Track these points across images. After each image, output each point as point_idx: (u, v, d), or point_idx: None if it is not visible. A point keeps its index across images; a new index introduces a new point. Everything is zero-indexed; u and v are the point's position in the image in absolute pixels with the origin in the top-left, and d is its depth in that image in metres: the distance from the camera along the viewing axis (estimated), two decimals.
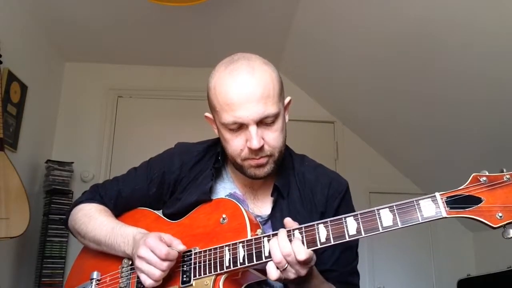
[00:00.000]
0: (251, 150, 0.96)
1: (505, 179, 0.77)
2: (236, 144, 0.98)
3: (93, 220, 1.09)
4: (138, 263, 0.93)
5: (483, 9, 2.06)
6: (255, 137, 0.94)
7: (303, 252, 0.82)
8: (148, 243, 0.92)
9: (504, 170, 0.78)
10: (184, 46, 3.57)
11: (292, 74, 3.60)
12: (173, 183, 1.12)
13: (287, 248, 0.82)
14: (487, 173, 0.79)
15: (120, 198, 1.15)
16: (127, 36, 3.43)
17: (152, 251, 0.91)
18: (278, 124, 0.98)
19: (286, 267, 0.83)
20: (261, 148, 0.96)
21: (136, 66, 3.86)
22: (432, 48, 2.46)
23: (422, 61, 2.61)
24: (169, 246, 0.93)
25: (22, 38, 3.06)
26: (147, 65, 3.86)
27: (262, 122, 0.95)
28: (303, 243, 0.84)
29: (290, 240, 0.84)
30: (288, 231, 0.86)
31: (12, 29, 2.90)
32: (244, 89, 0.93)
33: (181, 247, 0.94)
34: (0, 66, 2.61)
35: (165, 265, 0.91)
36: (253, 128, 0.94)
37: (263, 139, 0.96)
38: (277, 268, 0.84)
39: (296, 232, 0.86)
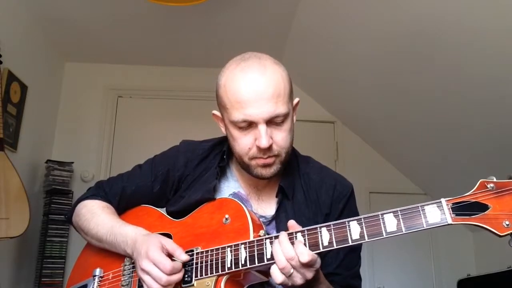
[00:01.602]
0: (259, 149, 0.96)
1: None
2: (244, 143, 0.97)
3: (96, 217, 1.08)
4: (141, 274, 0.92)
5: (483, 8, 2.06)
6: (264, 136, 0.93)
7: (305, 254, 0.81)
8: (152, 257, 0.90)
9: None
10: (184, 46, 3.56)
11: (292, 74, 3.55)
12: (177, 181, 1.11)
13: (290, 251, 0.81)
14: (495, 179, 0.77)
15: (124, 195, 1.14)
16: (127, 36, 3.42)
17: (156, 265, 0.90)
18: (287, 124, 0.98)
19: (292, 273, 0.82)
20: (269, 148, 0.95)
21: (136, 66, 3.86)
22: (432, 47, 2.46)
23: (422, 60, 2.61)
24: (171, 255, 0.92)
25: (22, 38, 3.06)
26: (147, 65, 3.86)
27: (271, 122, 0.95)
28: (305, 245, 0.83)
29: (292, 243, 0.83)
30: (291, 234, 0.86)
31: (12, 29, 2.90)
32: (255, 87, 0.93)
33: (184, 257, 0.92)
34: (0, 66, 2.61)
35: (170, 279, 0.89)
36: (262, 127, 0.93)
37: (271, 138, 0.95)
38: (283, 274, 0.82)
39: (299, 234, 0.85)
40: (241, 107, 0.93)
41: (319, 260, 0.84)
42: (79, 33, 3.36)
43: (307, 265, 0.82)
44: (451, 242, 3.63)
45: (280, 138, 0.97)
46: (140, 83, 3.85)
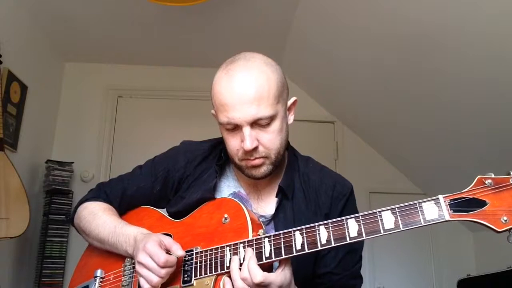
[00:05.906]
0: (245, 151, 0.96)
1: (511, 182, 0.75)
2: (233, 144, 0.99)
3: (97, 218, 1.09)
4: (138, 267, 0.94)
5: (482, 10, 2.06)
6: (247, 139, 0.94)
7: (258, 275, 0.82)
8: (148, 249, 0.92)
9: (511, 173, 0.76)
10: (183, 46, 3.56)
11: (292, 74, 3.60)
12: (178, 181, 1.12)
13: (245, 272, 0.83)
14: (492, 175, 0.77)
15: (125, 196, 1.15)
16: (127, 36, 3.42)
17: (151, 258, 0.91)
18: (275, 125, 0.97)
19: None
20: (255, 149, 0.96)
21: (136, 66, 3.86)
22: (431, 48, 2.46)
23: (421, 61, 2.61)
24: (168, 250, 0.93)
25: (22, 38, 3.06)
26: (147, 65, 3.86)
27: (256, 123, 0.95)
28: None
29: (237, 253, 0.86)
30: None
31: (12, 29, 2.90)
32: (237, 90, 0.94)
33: (180, 252, 0.93)
34: (0, 66, 2.61)
35: (163, 272, 0.91)
36: (246, 130, 0.94)
37: (258, 140, 0.96)
38: None
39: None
40: (225, 110, 0.95)
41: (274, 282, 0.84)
42: (79, 33, 3.36)
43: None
44: (451, 242, 3.63)
45: (266, 140, 0.97)
46: (140, 83, 3.85)
